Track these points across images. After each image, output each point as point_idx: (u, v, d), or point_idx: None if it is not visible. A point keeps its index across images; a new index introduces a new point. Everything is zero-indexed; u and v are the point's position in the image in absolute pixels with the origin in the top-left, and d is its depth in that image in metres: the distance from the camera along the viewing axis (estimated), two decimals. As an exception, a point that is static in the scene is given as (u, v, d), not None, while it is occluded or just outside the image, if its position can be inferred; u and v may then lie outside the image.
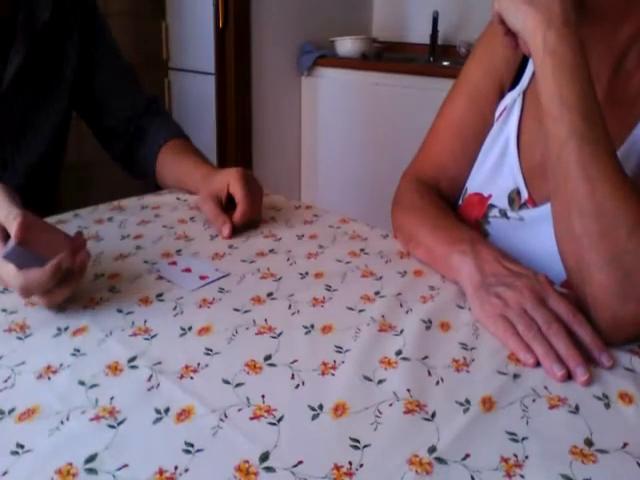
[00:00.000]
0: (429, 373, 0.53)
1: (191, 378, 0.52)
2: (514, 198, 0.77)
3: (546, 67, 0.61)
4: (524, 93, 0.79)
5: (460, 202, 0.86)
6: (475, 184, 0.83)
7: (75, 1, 1.04)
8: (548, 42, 0.60)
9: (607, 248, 0.57)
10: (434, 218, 0.78)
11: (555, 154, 0.61)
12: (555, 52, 0.60)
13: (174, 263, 0.74)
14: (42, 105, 1.02)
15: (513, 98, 0.80)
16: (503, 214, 0.78)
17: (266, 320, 0.61)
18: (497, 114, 0.81)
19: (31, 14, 0.96)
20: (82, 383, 0.51)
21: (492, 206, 0.79)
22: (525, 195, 0.76)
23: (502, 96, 0.82)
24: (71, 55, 1.04)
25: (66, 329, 0.59)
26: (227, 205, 0.87)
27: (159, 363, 0.54)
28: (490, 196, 0.80)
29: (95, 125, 1.15)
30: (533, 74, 0.79)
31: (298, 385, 0.51)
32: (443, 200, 0.83)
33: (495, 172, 0.80)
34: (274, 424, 0.47)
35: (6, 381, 0.51)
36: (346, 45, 2.57)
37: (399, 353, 0.56)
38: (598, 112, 0.59)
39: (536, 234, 0.74)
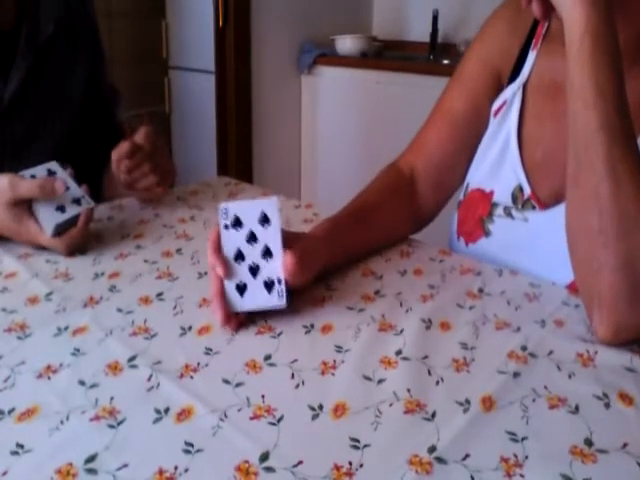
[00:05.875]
0: (429, 373, 0.53)
1: (191, 378, 0.52)
2: (517, 195, 0.77)
3: (584, 47, 0.57)
4: (524, 86, 0.79)
5: (461, 197, 0.86)
6: (476, 179, 0.83)
7: (82, 14, 1.02)
8: (590, 20, 0.57)
9: (624, 250, 0.56)
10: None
11: (582, 143, 0.58)
12: (597, 32, 0.57)
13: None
14: (49, 121, 1.00)
15: (513, 92, 0.79)
16: (508, 213, 0.77)
17: (266, 320, 0.61)
18: (496, 107, 0.81)
19: (35, 28, 0.94)
20: (82, 383, 0.51)
21: (496, 204, 0.79)
22: (528, 191, 0.76)
23: (500, 89, 0.82)
24: (80, 69, 1.03)
25: (66, 329, 0.59)
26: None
27: (159, 363, 0.54)
28: (492, 192, 0.80)
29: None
30: (533, 67, 0.79)
31: (298, 385, 0.51)
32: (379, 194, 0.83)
33: (496, 168, 0.80)
34: (274, 424, 0.47)
35: (6, 381, 0.51)
36: (346, 43, 2.57)
37: (399, 353, 0.56)
38: (627, 105, 0.57)
39: (540, 236, 0.74)
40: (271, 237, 0.61)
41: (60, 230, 0.76)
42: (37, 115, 0.98)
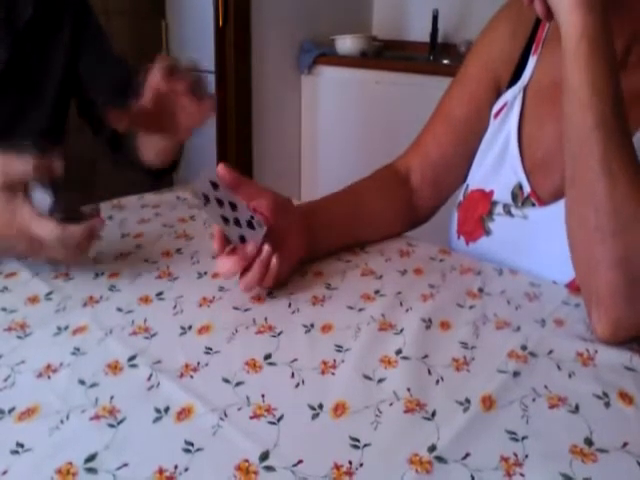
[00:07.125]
0: (429, 372, 0.53)
1: (191, 377, 0.52)
2: (517, 193, 0.77)
3: (581, 51, 0.58)
4: (524, 89, 0.79)
5: (461, 198, 0.86)
6: (476, 180, 0.83)
7: None
8: (587, 25, 0.57)
9: (620, 247, 0.56)
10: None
11: (578, 142, 0.58)
12: (593, 37, 0.57)
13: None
14: (30, 106, 0.99)
15: (514, 94, 0.80)
16: (507, 211, 0.78)
17: (266, 319, 0.61)
18: (497, 109, 0.82)
19: (13, 11, 0.93)
20: (82, 382, 0.51)
21: (496, 203, 0.79)
22: (528, 189, 0.76)
23: (498, 92, 0.82)
24: (61, 50, 1.02)
25: (66, 328, 0.59)
26: None
27: (159, 362, 0.54)
28: (492, 192, 0.80)
29: (85, 112, 1.11)
30: (534, 71, 0.79)
31: (298, 384, 0.51)
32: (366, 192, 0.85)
33: (496, 168, 0.80)
34: (274, 423, 0.46)
35: (6, 380, 0.51)
36: (346, 43, 2.57)
37: (399, 352, 0.56)
38: (624, 107, 0.58)
39: (540, 233, 0.74)
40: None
41: (58, 215, 0.64)
42: (21, 98, 0.97)
